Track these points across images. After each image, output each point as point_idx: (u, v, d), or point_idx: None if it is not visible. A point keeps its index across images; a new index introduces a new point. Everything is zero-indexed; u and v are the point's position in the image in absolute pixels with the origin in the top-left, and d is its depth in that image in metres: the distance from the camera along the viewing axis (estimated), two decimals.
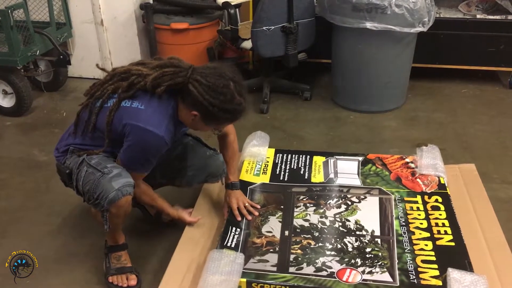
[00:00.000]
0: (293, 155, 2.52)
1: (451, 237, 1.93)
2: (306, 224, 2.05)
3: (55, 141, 2.48)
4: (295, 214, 2.11)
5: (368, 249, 1.90)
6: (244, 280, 1.75)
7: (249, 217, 2.07)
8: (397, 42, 3.03)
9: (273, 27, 3.06)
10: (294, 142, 2.90)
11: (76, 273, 1.98)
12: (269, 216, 2.10)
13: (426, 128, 3.05)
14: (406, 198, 2.17)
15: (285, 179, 2.34)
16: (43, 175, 2.64)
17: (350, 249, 1.90)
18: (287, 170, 2.41)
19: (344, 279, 1.75)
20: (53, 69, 3.57)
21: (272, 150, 2.55)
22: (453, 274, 1.70)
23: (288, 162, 2.47)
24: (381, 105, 3.27)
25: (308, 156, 2.50)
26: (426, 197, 2.17)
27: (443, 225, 1.99)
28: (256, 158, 2.46)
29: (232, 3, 3.35)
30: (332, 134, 3.01)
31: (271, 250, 1.92)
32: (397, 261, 1.82)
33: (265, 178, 2.35)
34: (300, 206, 2.16)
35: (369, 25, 2.89)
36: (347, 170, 2.40)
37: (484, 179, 2.41)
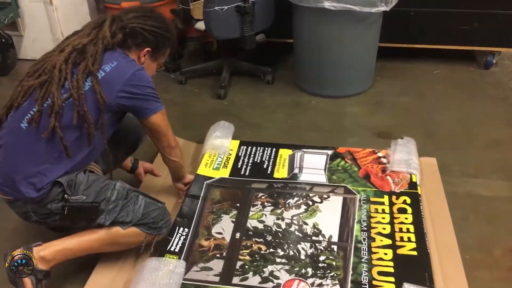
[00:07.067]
0: (258, 148, 2.36)
1: (414, 245, 1.78)
2: (260, 226, 1.92)
3: None
4: (250, 214, 1.98)
5: (322, 258, 1.76)
6: None
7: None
8: (360, 21, 2.79)
9: (226, 7, 2.83)
10: (248, 132, 2.69)
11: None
12: (222, 215, 1.98)
13: (390, 114, 2.84)
14: (372, 199, 2.02)
15: (246, 174, 2.20)
16: None
17: (302, 257, 1.77)
18: (249, 164, 2.26)
19: None
20: None
21: (237, 142, 2.40)
22: None
23: (252, 155, 2.32)
24: (345, 89, 3.05)
25: (274, 149, 2.35)
26: (394, 197, 2.02)
27: (408, 230, 1.85)
28: (218, 150, 2.31)
29: None
30: (289, 122, 2.81)
31: (218, 255, 1.79)
32: (351, 272, 1.69)
33: (225, 173, 2.20)
34: (257, 205, 2.02)
35: (327, 4, 2.66)
36: (313, 165, 2.25)
37: (444, 172, 2.26)
